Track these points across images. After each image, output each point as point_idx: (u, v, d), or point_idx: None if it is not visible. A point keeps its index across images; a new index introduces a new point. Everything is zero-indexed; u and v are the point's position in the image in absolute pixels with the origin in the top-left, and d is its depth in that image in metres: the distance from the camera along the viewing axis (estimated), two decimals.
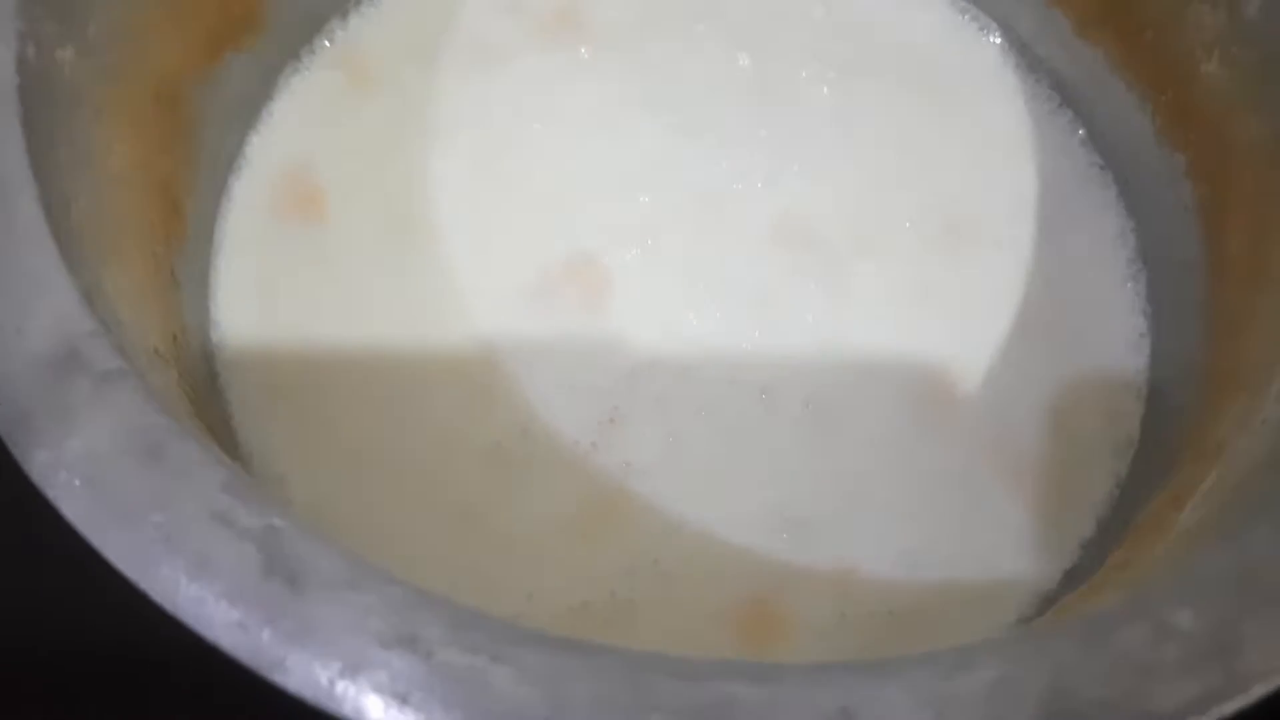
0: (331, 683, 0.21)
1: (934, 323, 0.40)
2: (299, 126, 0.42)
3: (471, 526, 0.37)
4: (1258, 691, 0.22)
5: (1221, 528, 0.26)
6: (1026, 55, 0.44)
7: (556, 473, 0.37)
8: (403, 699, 0.21)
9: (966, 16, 0.45)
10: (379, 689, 0.21)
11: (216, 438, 0.34)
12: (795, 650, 0.35)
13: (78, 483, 0.23)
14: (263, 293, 0.40)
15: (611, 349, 0.39)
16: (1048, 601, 0.36)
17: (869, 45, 0.44)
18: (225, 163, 0.40)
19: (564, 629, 0.35)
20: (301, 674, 0.21)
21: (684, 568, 0.36)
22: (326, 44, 0.43)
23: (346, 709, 0.21)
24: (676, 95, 0.43)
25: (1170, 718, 0.21)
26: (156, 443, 0.23)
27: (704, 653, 0.35)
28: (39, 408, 0.24)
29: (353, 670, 0.21)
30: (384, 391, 0.38)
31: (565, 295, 0.40)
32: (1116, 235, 0.42)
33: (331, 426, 0.38)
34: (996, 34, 0.45)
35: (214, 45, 0.38)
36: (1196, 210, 0.38)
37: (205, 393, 0.36)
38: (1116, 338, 0.40)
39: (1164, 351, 0.39)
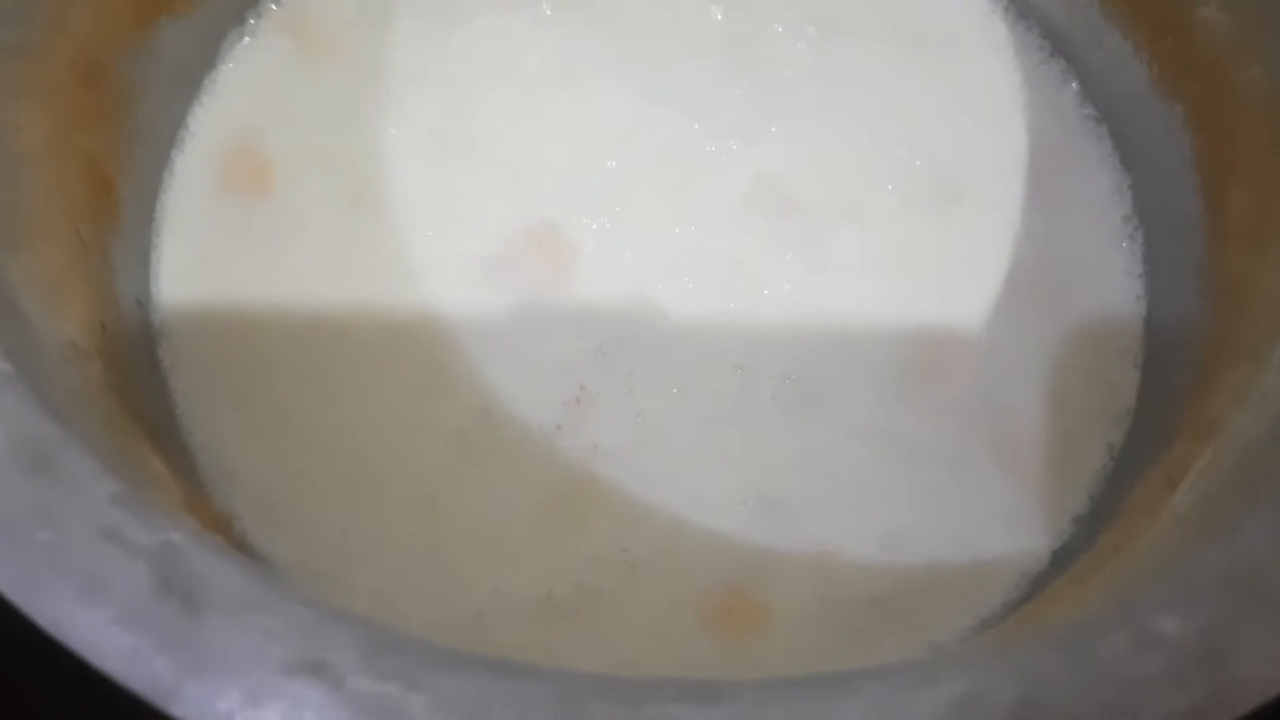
0: (230, 714, 0.19)
1: (920, 290, 0.39)
2: (245, 95, 0.40)
3: (432, 517, 0.36)
4: (1251, 704, 0.20)
5: (1215, 516, 0.25)
6: (1015, 2, 0.42)
7: (519, 457, 0.36)
8: None
9: None
10: None
11: (158, 430, 0.33)
12: (772, 641, 0.35)
13: None
14: (208, 272, 0.38)
15: (577, 324, 0.38)
16: (1036, 583, 0.35)
17: None
18: (165, 136, 0.39)
19: (529, 623, 0.34)
20: (198, 705, 0.20)
21: (655, 555, 0.35)
22: (273, 7, 0.41)
23: None
24: (645, 53, 0.41)
25: None
26: (43, 453, 0.21)
27: (676, 646, 0.34)
28: None
29: (254, 700, 0.20)
30: (338, 374, 0.37)
31: (528, 267, 0.38)
32: (1112, 192, 0.40)
33: (284, 414, 0.37)
34: None
35: (144, 11, 0.36)
36: (1196, 164, 0.37)
37: (144, 383, 0.34)
38: (1111, 301, 0.39)
39: (1161, 316, 0.38)
